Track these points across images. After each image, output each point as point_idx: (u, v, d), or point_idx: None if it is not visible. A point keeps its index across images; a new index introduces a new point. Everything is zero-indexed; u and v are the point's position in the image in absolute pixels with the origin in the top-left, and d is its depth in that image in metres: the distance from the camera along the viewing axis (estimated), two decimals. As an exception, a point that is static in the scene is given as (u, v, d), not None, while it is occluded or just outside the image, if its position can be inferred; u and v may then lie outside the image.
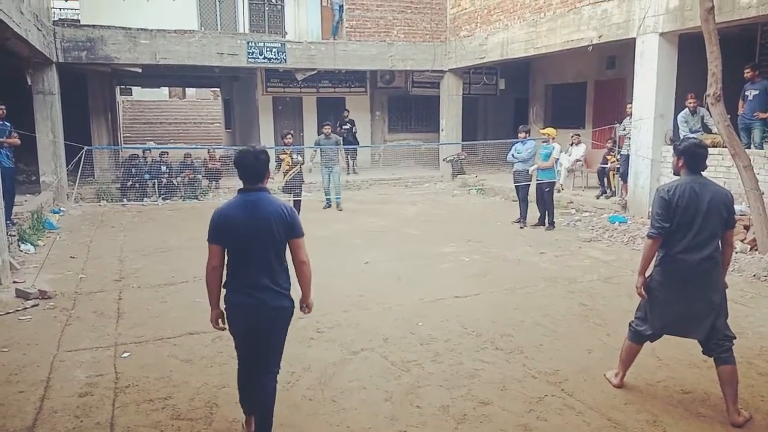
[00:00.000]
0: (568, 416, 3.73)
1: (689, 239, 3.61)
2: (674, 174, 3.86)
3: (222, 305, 3.33)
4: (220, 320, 3.36)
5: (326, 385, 4.15)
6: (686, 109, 9.42)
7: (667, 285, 3.73)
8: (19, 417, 3.73)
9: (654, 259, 3.79)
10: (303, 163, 10.70)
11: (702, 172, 3.75)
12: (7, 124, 8.75)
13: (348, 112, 16.46)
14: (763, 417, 3.73)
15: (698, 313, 3.67)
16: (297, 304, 3.36)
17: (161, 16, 14.33)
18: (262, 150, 3.24)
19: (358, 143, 16.17)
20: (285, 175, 10.28)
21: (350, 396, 3.98)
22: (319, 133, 13.21)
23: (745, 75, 8.92)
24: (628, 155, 10.29)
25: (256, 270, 3.18)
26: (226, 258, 3.24)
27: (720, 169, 8.73)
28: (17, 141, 8.98)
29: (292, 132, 11.17)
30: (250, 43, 13.98)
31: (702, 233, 3.60)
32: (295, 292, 3.32)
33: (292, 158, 10.39)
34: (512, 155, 10.03)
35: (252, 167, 3.19)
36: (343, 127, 15.95)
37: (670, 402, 3.91)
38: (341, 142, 13.98)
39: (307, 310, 3.42)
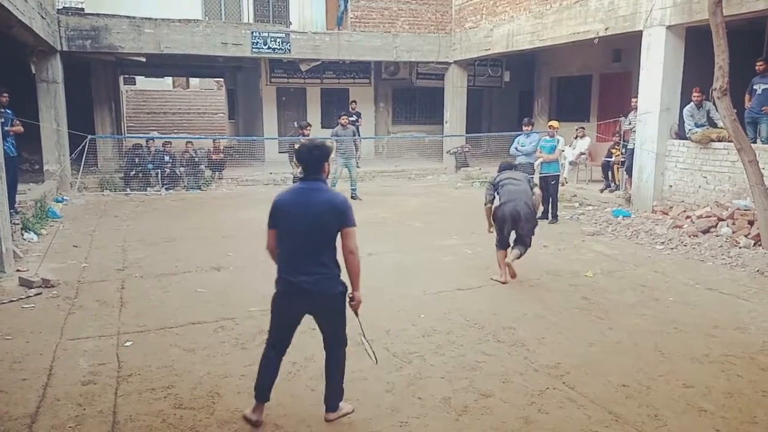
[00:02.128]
0: (569, 409, 3.73)
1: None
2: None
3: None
4: None
5: (328, 376, 4.15)
6: (692, 103, 9.36)
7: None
8: (22, 404, 3.75)
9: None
10: None
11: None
12: (9, 111, 8.74)
13: (355, 103, 16.38)
14: (765, 413, 3.72)
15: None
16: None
17: (165, 5, 14.29)
18: (316, 145, 3.44)
19: (359, 135, 16.12)
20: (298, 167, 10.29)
21: (352, 387, 3.97)
22: (335, 124, 13.21)
23: (756, 68, 8.84)
24: (633, 149, 10.25)
25: (305, 255, 3.35)
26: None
27: (725, 164, 8.69)
28: (20, 129, 8.98)
29: (311, 124, 11.24)
30: (254, 33, 13.92)
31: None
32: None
33: None
34: (516, 148, 10.00)
35: (306, 159, 3.41)
36: (350, 118, 15.86)
37: (671, 396, 3.90)
38: (357, 133, 14.06)
39: (354, 304, 3.50)
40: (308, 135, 10.51)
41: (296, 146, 10.23)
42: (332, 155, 3.82)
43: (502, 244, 6.46)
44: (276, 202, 3.45)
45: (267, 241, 3.50)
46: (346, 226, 3.35)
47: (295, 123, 15.91)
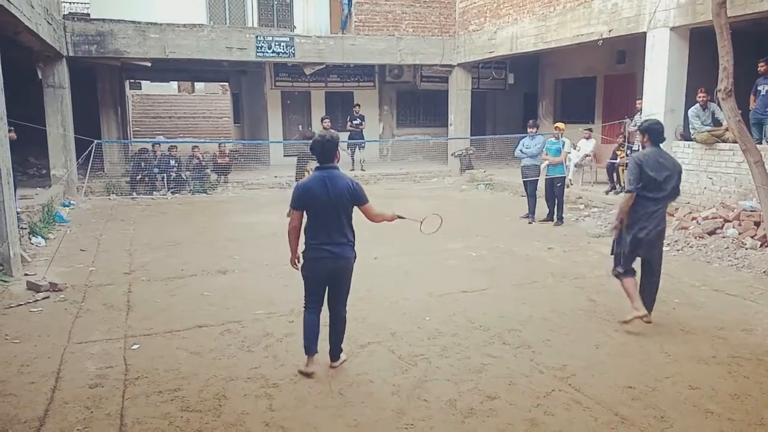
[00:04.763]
0: (575, 411, 3.73)
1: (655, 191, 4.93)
2: (642, 147, 5.16)
3: (301, 258, 4.20)
4: (297, 261, 4.25)
5: (333, 378, 4.16)
6: (697, 104, 9.34)
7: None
8: (31, 407, 3.77)
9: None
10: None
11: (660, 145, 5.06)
12: None
13: (359, 106, 16.44)
14: (771, 414, 3.71)
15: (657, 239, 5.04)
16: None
17: (170, 10, 14.38)
18: (328, 139, 4.09)
19: (363, 138, 16.20)
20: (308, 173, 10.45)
21: (357, 389, 3.99)
22: (340, 127, 13.41)
23: (758, 69, 8.82)
24: (637, 150, 10.22)
25: (332, 230, 4.06)
26: (305, 220, 4.11)
27: (730, 165, 8.67)
28: (13, 136, 8.98)
29: (329, 117, 11.52)
30: (258, 37, 13.98)
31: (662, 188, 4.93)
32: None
33: None
34: (520, 150, 10.00)
35: (320, 150, 4.08)
36: (353, 121, 15.94)
37: (677, 398, 3.89)
38: (361, 136, 14.25)
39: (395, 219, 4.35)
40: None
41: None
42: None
43: (631, 271, 5.16)
44: (303, 187, 4.10)
45: (291, 220, 4.13)
46: (362, 204, 4.12)
47: (300, 126, 16.06)
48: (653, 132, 5.02)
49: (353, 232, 4.18)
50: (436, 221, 4.58)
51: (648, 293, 5.10)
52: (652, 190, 4.88)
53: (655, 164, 4.89)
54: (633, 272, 5.13)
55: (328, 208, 4.02)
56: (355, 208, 4.17)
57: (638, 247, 4.99)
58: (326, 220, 4.06)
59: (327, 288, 4.21)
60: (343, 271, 4.17)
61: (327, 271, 4.12)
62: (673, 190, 4.99)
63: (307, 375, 4.16)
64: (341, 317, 4.27)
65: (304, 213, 4.10)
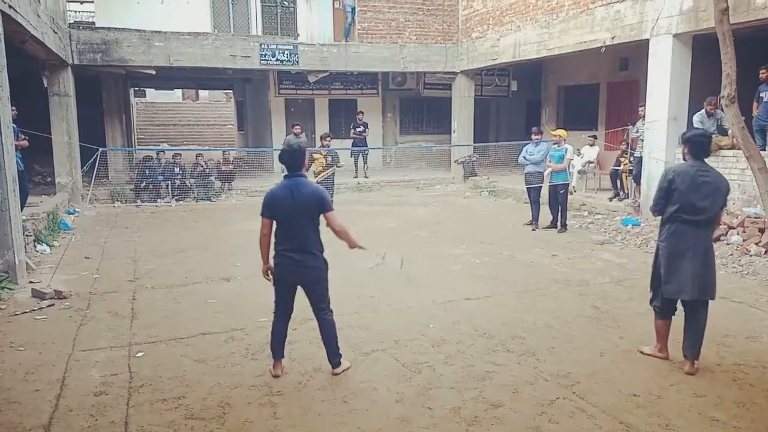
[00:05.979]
0: (579, 419, 3.72)
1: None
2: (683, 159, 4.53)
3: (271, 263, 4.27)
4: (269, 272, 4.30)
5: (337, 386, 4.16)
6: (703, 110, 9.34)
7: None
8: (36, 415, 3.78)
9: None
10: (338, 166, 10.98)
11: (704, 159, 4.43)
12: (14, 126, 8.82)
13: (362, 113, 16.48)
14: (777, 422, 3.69)
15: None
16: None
17: (175, 18, 14.47)
18: (296, 149, 4.16)
19: (366, 146, 16.21)
20: (316, 175, 10.43)
21: (361, 397, 3.99)
22: (288, 133, 13.51)
23: (760, 76, 8.83)
24: (641, 157, 10.22)
25: (297, 237, 4.12)
26: (274, 227, 4.17)
27: (734, 172, 8.65)
28: (25, 143, 9.07)
29: (331, 135, 11.51)
30: (262, 45, 14.06)
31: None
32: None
33: (326, 160, 10.60)
34: (524, 157, 10.00)
35: (288, 159, 4.15)
36: (357, 129, 15.99)
37: (682, 406, 3.88)
38: (306, 147, 14.31)
39: (355, 247, 4.33)
40: (328, 145, 10.78)
41: (314, 155, 10.67)
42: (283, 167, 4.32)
43: (665, 312, 4.56)
44: (270, 196, 4.17)
45: (261, 227, 4.19)
46: (326, 211, 4.13)
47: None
48: (694, 144, 4.38)
49: (320, 240, 4.20)
50: (397, 259, 4.63)
51: (689, 336, 4.39)
52: (688, 212, 4.22)
53: (691, 182, 4.22)
54: (669, 314, 4.53)
55: (294, 215, 4.08)
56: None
57: (673, 280, 4.32)
58: (291, 227, 4.13)
59: (306, 294, 4.26)
60: (312, 279, 4.21)
61: (292, 278, 4.20)
62: (716, 212, 4.31)
63: (275, 376, 4.31)
64: (326, 319, 4.30)
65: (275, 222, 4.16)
